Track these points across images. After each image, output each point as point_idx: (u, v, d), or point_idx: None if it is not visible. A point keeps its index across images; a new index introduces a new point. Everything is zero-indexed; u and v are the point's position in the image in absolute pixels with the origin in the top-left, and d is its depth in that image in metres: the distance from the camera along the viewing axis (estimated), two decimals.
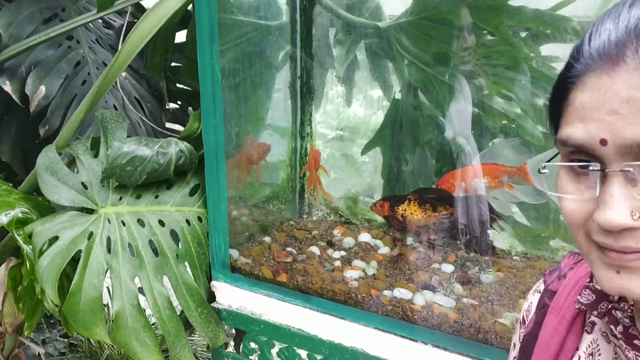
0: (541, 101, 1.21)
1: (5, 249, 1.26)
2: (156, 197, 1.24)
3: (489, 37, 1.23)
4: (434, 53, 1.27)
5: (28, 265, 1.10)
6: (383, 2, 1.40)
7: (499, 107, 1.25)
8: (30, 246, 1.10)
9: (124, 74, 1.88)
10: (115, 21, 1.94)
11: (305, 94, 1.39)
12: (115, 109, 1.75)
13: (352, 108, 1.46)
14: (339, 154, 1.50)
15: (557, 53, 1.30)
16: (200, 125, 1.21)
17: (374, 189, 1.43)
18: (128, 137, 1.23)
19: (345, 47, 1.38)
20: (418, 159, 1.35)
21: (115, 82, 1.76)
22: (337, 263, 1.24)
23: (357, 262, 1.24)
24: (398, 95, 1.34)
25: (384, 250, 1.29)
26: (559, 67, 1.24)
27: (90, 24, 1.84)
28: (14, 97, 1.50)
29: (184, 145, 1.20)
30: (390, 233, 1.35)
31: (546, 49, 1.26)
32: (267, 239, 1.36)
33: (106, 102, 1.75)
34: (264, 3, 1.30)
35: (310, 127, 1.42)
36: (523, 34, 1.30)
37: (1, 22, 1.50)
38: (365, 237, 1.34)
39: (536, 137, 1.22)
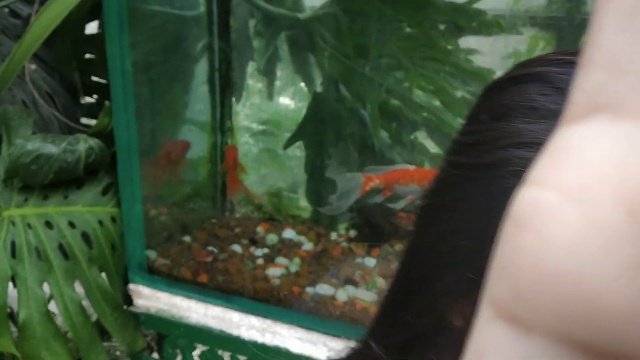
0: (460, 93, 1.22)
1: None
2: (65, 197, 1.17)
3: (408, 29, 1.23)
4: (353, 45, 1.26)
5: None
6: None
7: (419, 100, 1.25)
8: None
9: (33, 66, 1.77)
10: (23, 10, 1.82)
11: (225, 87, 1.35)
12: (25, 104, 1.64)
13: (276, 101, 1.43)
14: (263, 149, 1.46)
15: (474, 46, 1.31)
16: (111, 120, 1.15)
17: (298, 184, 1.41)
18: (34, 134, 1.16)
19: (265, 39, 1.34)
20: (341, 152, 1.33)
21: (24, 75, 1.66)
22: (260, 261, 1.21)
23: (280, 260, 1.21)
24: (319, 89, 1.32)
25: (308, 246, 1.27)
26: (477, 59, 1.26)
27: None
28: None
29: (94, 142, 1.14)
30: (315, 228, 1.34)
31: (464, 42, 1.28)
32: (187, 238, 1.31)
33: (13, 96, 1.63)
34: None
35: (231, 121, 1.38)
36: (442, 27, 1.31)
37: None
38: (289, 233, 1.32)
39: (455, 130, 1.23)
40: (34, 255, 1.09)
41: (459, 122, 1.23)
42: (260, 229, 1.34)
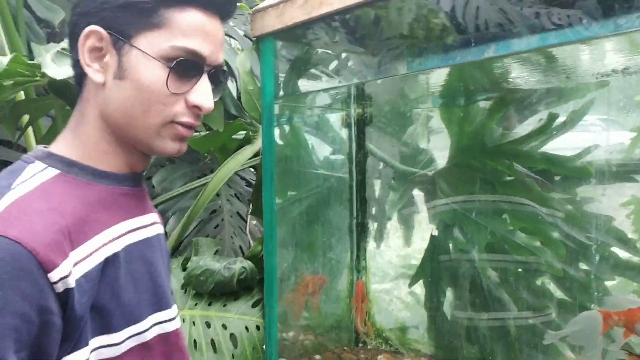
0: (556, 234, 1.29)
1: None
2: (224, 305, 1.52)
3: (508, 177, 1.38)
4: (463, 193, 1.44)
5: None
6: (436, 155, 1.63)
7: (520, 241, 1.34)
8: None
9: (254, 222, 2.29)
10: (254, 180, 2.40)
11: (361, 233, 1.62)
12: (241, 249, 2.14)
13: (412, 246, 1.64)
14: (405, 289, 1.65)
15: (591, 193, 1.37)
16: (262, 249, 1.51)
17: (422, 321, 1.54)
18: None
19: (399, 193, 1.61)
20: (456, 290, 1.45)
21: (245, 228, 2.19)
22: None
23: None
24: (435, 232, 1.50)
25: None
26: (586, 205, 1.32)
27: (231, 181, 2.32)
28: None
29: (246, 264, 1.49)
30: None
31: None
32: (317, 357, 1.53)
33: (233, 242, 2.15)
34: (323, 157, 1.62)
35: (365, 262, 1.62)
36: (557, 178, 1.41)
37: (157, 178, 2.02)
38: None
39: (555, 268, 1.28)
40: (192, 345, 1.43)
41: (556, 261, 1.28)
42: (381, 357, 1.49)
